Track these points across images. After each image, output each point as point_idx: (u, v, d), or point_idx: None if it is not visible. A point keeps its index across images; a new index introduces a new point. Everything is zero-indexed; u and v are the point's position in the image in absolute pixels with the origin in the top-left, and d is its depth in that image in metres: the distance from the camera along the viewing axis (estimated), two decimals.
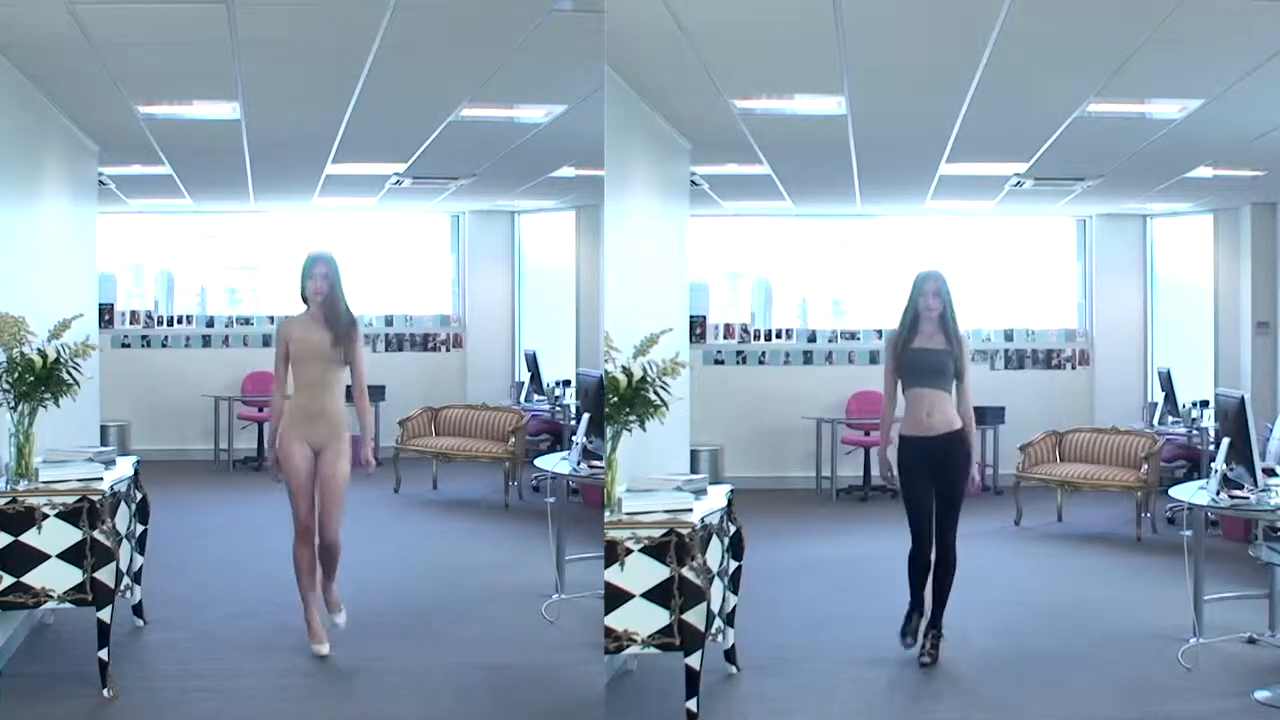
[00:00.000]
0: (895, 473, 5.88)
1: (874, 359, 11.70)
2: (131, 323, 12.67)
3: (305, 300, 5.78)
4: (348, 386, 5.82)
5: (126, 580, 5.78)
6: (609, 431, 5.22)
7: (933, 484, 5.77)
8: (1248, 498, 5.74)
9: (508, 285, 13.26)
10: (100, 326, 9.40)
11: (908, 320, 5.84)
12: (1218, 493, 5.79)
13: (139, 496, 6.06)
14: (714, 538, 5.16)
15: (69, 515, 5.09)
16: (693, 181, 8.31)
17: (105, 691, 5.11)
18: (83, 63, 5.53)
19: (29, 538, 5.06)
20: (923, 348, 5.79)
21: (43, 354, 5.35)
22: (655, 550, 4.83)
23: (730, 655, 5.63)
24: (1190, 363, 11.25)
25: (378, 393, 12.10)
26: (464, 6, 4.76)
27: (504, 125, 7.22)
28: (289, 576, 5.85)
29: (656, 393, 5.26)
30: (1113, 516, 9.70)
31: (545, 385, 11.08)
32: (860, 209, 11.35)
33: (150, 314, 12.74)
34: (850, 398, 11.58)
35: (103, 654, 5.13)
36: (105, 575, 5.13)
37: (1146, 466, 9.29)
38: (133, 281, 12.89)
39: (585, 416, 6.62)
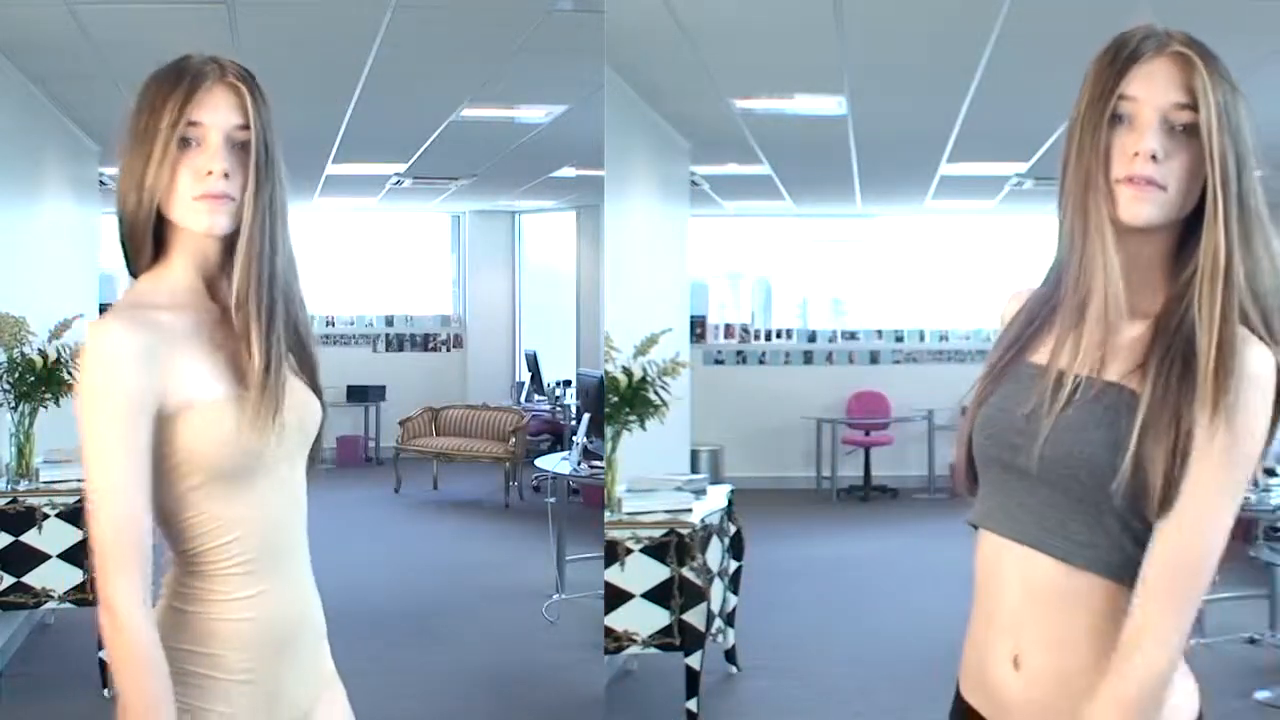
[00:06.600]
0: None
1: (874, 359, 11.73)
2: None
3: (149, 255, 1.73)
4: None
5: None
6: (609, 431, 5.22)
7: None
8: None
9: (508, 285, 13.28)
10: None
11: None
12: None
13: None
14: (714, 538, 5.16)
15: (69, 515, 5.08)
16: (693, 181, 8.30)
17: (105, 691, 5.10)
18: (83, 63, 5.53)
19: (29, 538, 5.06)
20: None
21: (43, 354, 5.35)
22: (655, 550, 4.83)
23: (730, 655, 5.63)
24: None
25: (378, 393, 12.14)
26: (464, 6, 4.76)
27: (504, 125, 7.22)
28: None
29: (656, 393, 5.26)
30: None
31: (545, 385, 11.10)
32: (860, 209, 11.34)
33: None
34: (850, 398, 11.58)
35: (103, 654, 5.13)
36: None
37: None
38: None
39: (585, 416, 6.63)
